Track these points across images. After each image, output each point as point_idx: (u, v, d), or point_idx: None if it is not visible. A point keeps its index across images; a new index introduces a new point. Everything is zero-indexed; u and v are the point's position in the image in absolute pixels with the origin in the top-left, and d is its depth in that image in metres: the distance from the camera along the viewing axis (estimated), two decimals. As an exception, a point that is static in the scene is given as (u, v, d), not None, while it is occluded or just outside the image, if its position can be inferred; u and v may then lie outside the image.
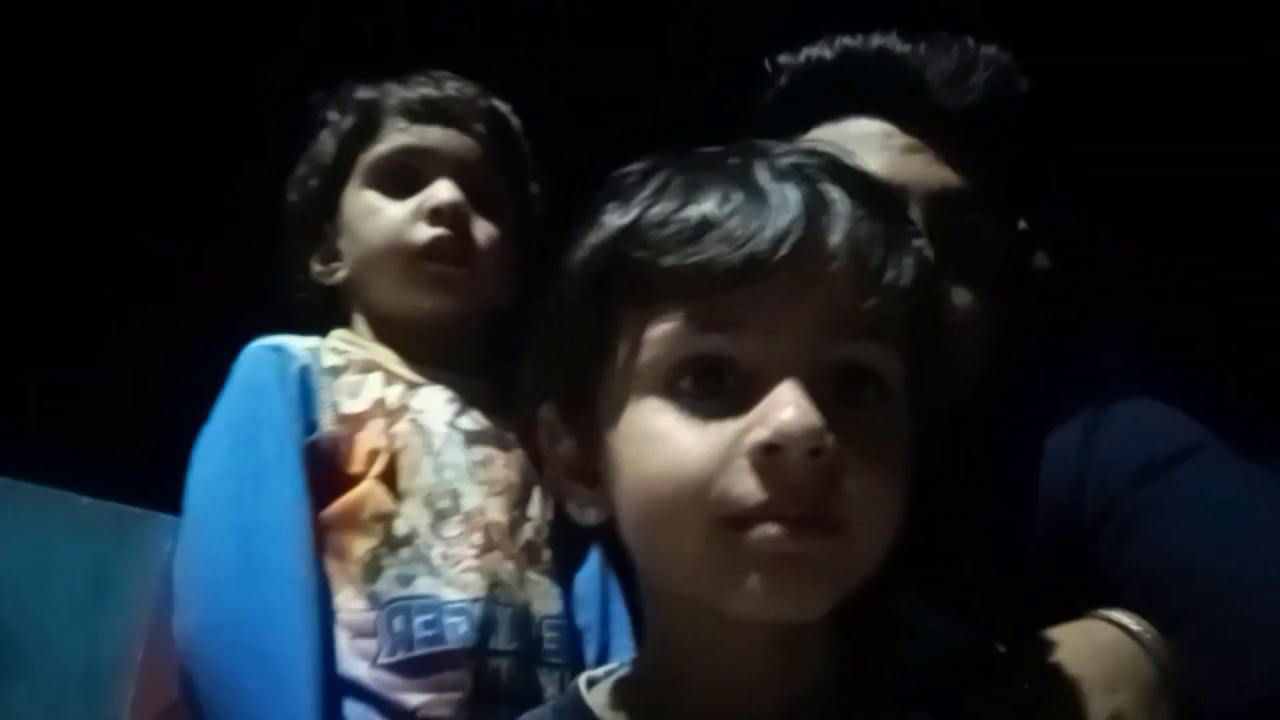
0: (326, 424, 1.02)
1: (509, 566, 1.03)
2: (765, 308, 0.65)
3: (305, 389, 1.03)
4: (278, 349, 1.05)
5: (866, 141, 1.02)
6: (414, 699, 0.94)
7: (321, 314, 1.14)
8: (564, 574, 1.07)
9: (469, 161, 1.12)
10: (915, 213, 0.97)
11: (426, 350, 1.11)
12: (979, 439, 0.99)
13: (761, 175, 0.68)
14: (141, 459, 1.09)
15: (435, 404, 1.08)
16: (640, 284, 0.68)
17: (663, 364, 0.67)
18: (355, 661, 0.95)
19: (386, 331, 1.12)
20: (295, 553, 0.94)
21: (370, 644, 0.95)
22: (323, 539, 0.98)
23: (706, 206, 0.66)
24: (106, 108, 1.37)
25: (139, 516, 1.46)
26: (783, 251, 0.65)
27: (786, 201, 0.66)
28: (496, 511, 1.04)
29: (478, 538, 1.02)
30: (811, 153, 0.72)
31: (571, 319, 0.72)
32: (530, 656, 1.00)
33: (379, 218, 1.10)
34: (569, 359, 0.72)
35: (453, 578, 0.99)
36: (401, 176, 1.10)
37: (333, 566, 0.97)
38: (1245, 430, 0.98)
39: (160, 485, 1.09)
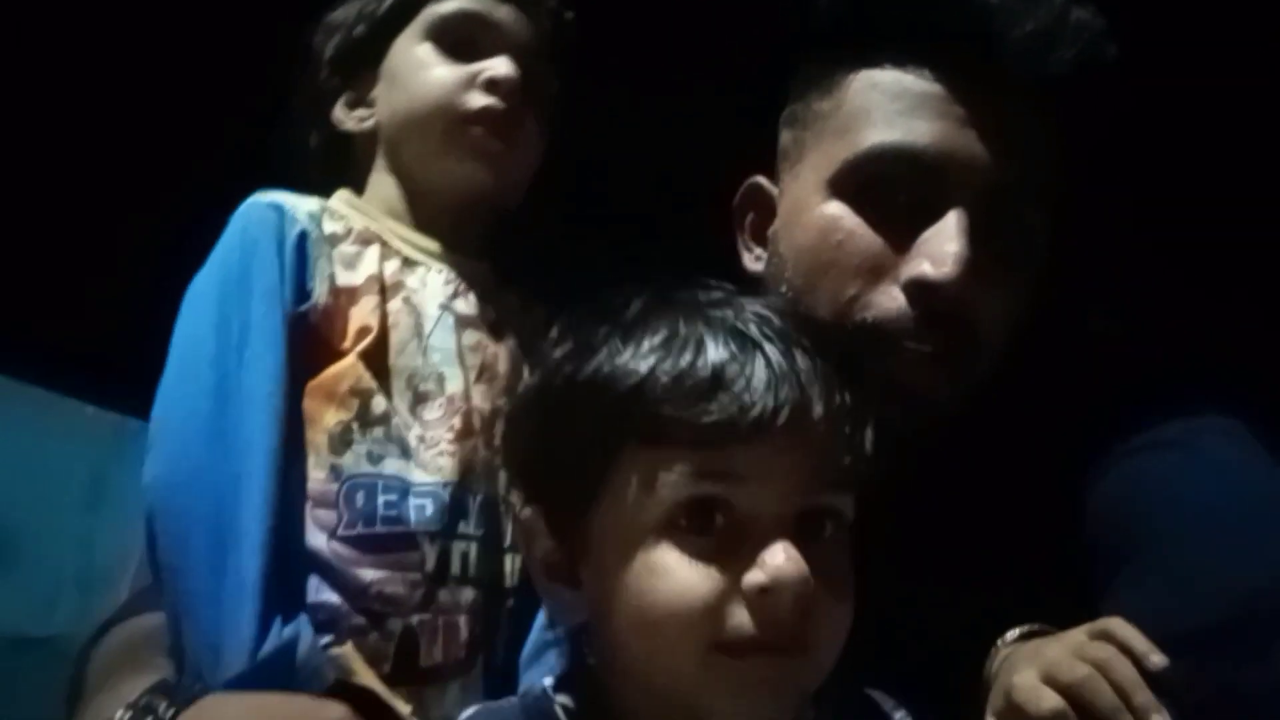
0: (320, 295, 1.01)
1: (485, 454, 1.02)
2: (761, 462, 0.76)
3: (302, 255, 1.01)
4: (278, 209, 1.03)
5: (923, 104, 0.95)
6: (369, 574, 0.94)
7: (330, 167, 1.13)
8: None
9: (527, 47, 1.10)
10: (959, 210, 0.93)
11: (434, 223, 1.10)
12: (996, 428, 0.97)
13: (757, 335, 0.78)
14: (144, 370, 1.11)
15: (431, 284, 1.07)
16: (650, 430, 0.77)
17: (665, 502, 0.77)
18: (315, 532, 0.95)
19: (402, 193, 1.10)
20: (269, 422, 0.94)
21: (330, 515, 0.95)
22: (297, 408, 0.98)
23: (716, 366, 0.76)
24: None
25: (139, 429, 1.51)
26: (781, 418, 0.75)
27: (782, 369, 0.77)
28: (480, 398, 1.04)
29: (457, 421, 1.01)
30: (793, 315, 0.83)
31: (571, 446, 0.81)
32: (496, 544, 1.00)
33: (431, 73, 1.08)
34: (565, 480, 0.82)
35: (425, 460, 0.99)
36: (460, 41, 1.09)
37: (306, 434, 0.97)
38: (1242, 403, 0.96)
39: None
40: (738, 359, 0.76)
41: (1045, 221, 0.97)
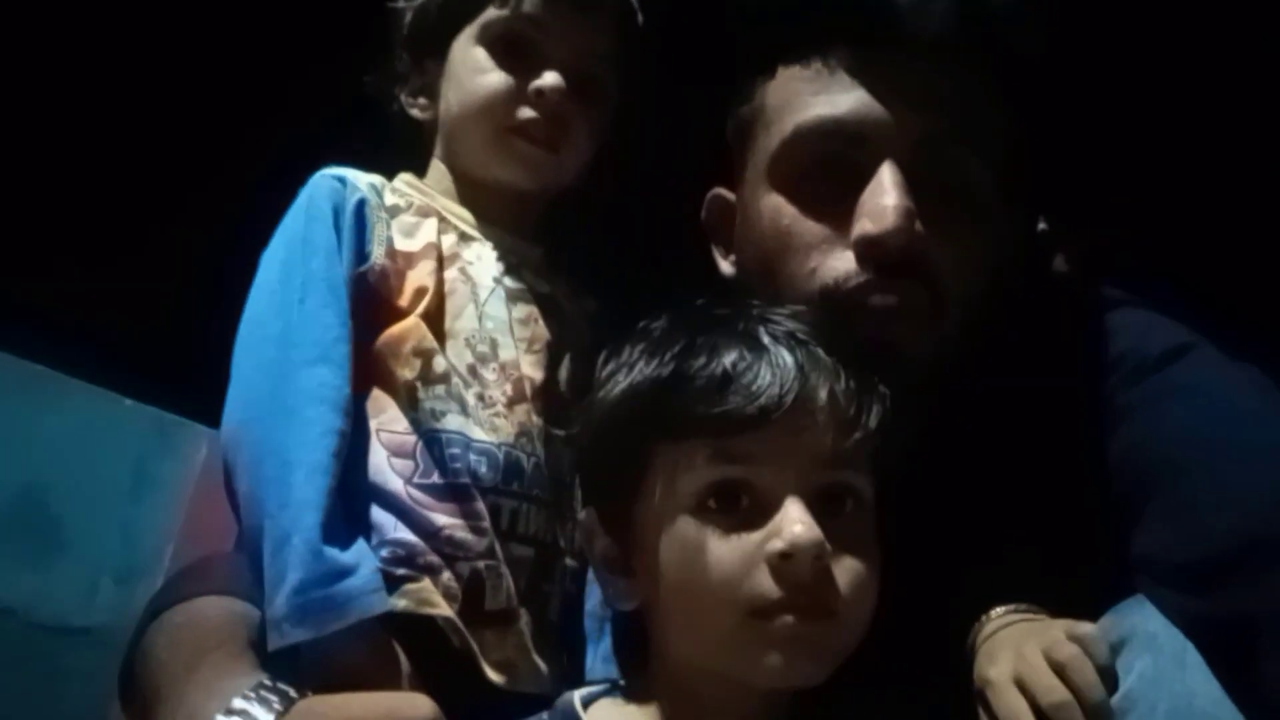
0: (378, 257, 1.04)
1: (538, 421, 1.05)
2: (772, 446, 0.85)
3: (361, 220, 1.05)
4: (341, 179, 1.07)
5: (837, 81, 0.98)
6: (441, 519, 0.98)
7: (401, 143, 1.16)
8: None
9: (586, 50, 1.11)
10: (888, 165, 0.96)
11: (489, 209, 1.12)
12: (994, 388, 0.98)
13: (767, 340, 0.88)
14: (181, 369, 1.14)
15: (486, 258, 1.09)
16: (674, 426, 0.87)
17: (693, 488, 0.86)
18: (393, 477, 0.98)
19: (458, 181, 1.13)
20: (326, 364, 0.97)
21: (407, 464, 0.99)
22: (371, 363, 1.01)
23: (727, 365, 0.86)
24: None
25: (179, 424, 1.54)
26: (785, 404, 0.84)
27: (786, 364, 0.86)
28: (531, 367, 1.06)
29: (509, 388, 1.04)
30: (802, 318, 0.91)
31: (613, 449, 0.91)
32: (553, 505, 1.04)
33: (484, 79, 1.09)
34: (611, 480, 0.92)
35: (483, 419, 1.02)
36: (516, 45, 1.10)
37: (380, 389, 1.01)
38: (1232, 330, 0.98)
39: (199, 397, 1.14)
40: (746, 358, 0.86)
41: (989, 166, 0.99)
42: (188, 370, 1.08)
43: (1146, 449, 0.92)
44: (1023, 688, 0.83)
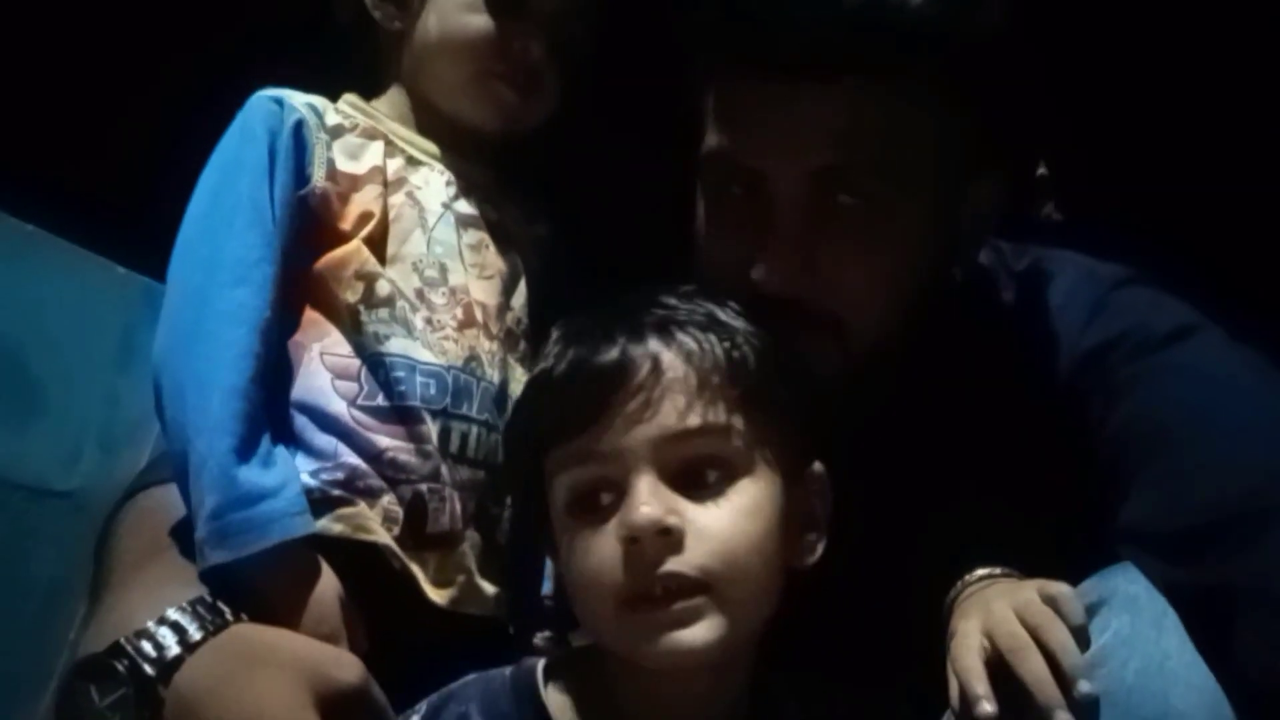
0: (318, 179, 1.04)
1: (488, 345, 1.07)
2: (614, 436, 0.86)
3: (300, 142, 1.05)
4: (278, 100, 1.06)
5: (744, 108, 0.99)
6: (384, 441, 1.00)
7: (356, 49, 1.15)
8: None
9: (568, 8, 1.14)
10: (783, 208, 0.97)
11: (442, 136, 1.13)
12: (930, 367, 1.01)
13: (610, 330, 0.89)
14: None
15: (434, 183, 1.10)
16: (537, 437, 0.90)
17: (563, 493, 0.89)
18: (336, 400, 1.00)
19: (417, 105, 1.14)
20: (245, 285, 0.98)
21: (351, 386, 1.01)
22: (314, 286, 1.03)
23: (563, 368, 0.89)
24: None
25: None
26: (610, 388, 0.86)
27: (615, 349, 0.87)
28: (482, 293, 1.08)
29: (460, 312, 1.06)
30: (660, 302, 0.92)
31: (515, 472, 0.97)
32: (498, 429, 1.05)
33: (472, 20, 1.11)
34: (527, 505, 0.96)
35: (431, 342, 1.04)
36: None
37: (322, 313, 1.03)
38: (1238, 314, 1.00)
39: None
40: (581, 356, 0.88)
41: (901, 185, 0.98)
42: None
43: (1142, 422, 0.94)
44: (989, 637, 0.85)
